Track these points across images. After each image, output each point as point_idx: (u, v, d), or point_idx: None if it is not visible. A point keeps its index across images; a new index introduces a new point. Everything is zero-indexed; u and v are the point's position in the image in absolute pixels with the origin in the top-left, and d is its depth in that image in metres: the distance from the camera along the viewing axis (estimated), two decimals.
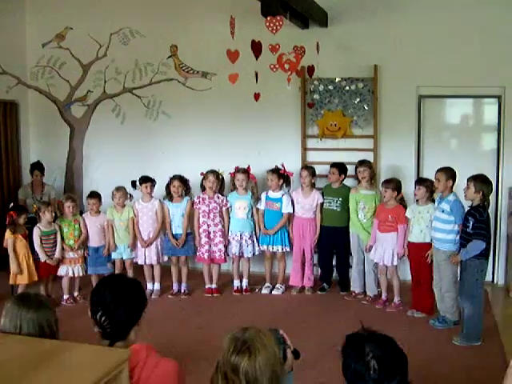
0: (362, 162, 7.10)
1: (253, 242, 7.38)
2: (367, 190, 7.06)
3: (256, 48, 6.20)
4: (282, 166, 7.34)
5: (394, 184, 6.72)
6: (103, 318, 2.72)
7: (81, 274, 7.12)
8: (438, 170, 6.18)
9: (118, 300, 2.75)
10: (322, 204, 7.27)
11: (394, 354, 2.38)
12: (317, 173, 7.50)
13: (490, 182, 5.79)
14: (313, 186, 7.33)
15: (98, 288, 2.86)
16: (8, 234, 6.68)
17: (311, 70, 7.19)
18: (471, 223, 5.64)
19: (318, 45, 6.97)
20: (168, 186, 7.31)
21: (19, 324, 2.85)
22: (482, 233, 5.61)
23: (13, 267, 6.64)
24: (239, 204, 7.33)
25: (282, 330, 2.69)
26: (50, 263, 6.89)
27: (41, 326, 2.88)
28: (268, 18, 5.69)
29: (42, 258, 6.84)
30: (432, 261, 6.28)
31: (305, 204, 7.27)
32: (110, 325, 2.73)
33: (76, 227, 7.11)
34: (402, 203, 6.77)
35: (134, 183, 7.38)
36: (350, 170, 7.30)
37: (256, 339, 2.44)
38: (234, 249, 7.34)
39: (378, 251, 6.78)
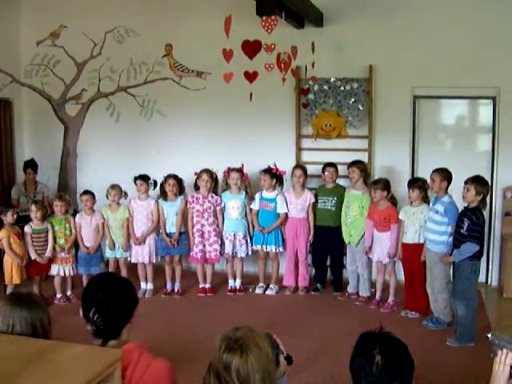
0: (352, 163, 7.10)
1: (246, 241, 7.38)
2: (355, 189, 7.07)
3: (252, 47, 6.18)
4: (275, 165, 7.33)
5: (383, 184, 6.72)
6: (96, 316, 2.72)
7: (72, 274, 7.11)
8: (433, 171, 6.19)
9: (110, 297, 2.75)
10: (313, 204, 7.28)
11: (401, 357, 2.40)
12: (312, 173, 7.53)
13: (487, 183, 5.81)
14: (303, 185, 7.33)
15: (89, 286, 2.86)
16: (2, 233, 6.65)
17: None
18: (466, 225, 5.63)
19: (313, 45, 6.96)
20: (162, 185, 7.31)
21: (12, 323, 2.84)
22: (477, 235, 5.61)
23: (13, 264, 6.63)
24: (232, 204, 7.32)
25: (275, 335, 2.68)
26: (39, 261, 6.87)
27: (33, 325, 2.86)
28: (263, 18, 5.68)
29: (32, 255, 6.82)
30: (425, 261, 6.28)
31: (297, 204, 7.26)
32: (103, 322, 2.72)
33: (67, 226, 7.10)
34: (393, 201, 6.78)
35: (135, 179, 7.33)
36: (345, 170, 7.29)
37: (248, 338, 2.43)
38: (227, 249, 7.33)
39: (377, 250, 6.78)
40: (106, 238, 7.29)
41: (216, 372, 2.40)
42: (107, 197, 7.26)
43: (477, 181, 5.67)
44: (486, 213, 5.94)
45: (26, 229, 6.85)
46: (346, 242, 7.11)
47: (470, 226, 5.61)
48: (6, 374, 2.37)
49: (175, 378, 2.73)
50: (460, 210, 5.88)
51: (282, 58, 6.35)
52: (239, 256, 7.39)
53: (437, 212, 6.09)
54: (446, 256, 5.93)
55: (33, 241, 6.85)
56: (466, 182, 5.71)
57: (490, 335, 2.68)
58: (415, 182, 6.51)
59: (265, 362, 2.40)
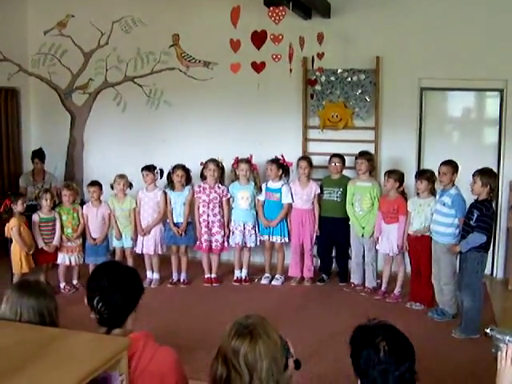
0: (361, 154, 7.09)
1: (255, 232, 7.40)
2: (363, 181, 7.06)
3: (259, 37, 6.16)
4: (282, 156, 7.34)
5: (397, 175, 6.72)
6: (100, 304, 2.73)
7: (78, 263, 7.14)
8: (443, 164, 6.16)
9: (114, 286, 2.76)
10: (319, 195, 7.28)
11: (403, 340, 2.40)
12: (318, 164, 7.53)
13: (495, 175, 5.81)
14: (309, 176, 7.33)
15: (94, 274, 2.87)
16: (13, 222, 6.66)
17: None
18: (475, 216, 5.62)
19: (321, 36, 6.94)
20: (169, 175, 7.32)
21: (19, 311, 2.86)
22: (485, 226, 5.60)
23: (21, 253, 6.63)
24: (242, 194, 7.33)
25: (288, 339, 2.67)
26: (47, 250, 6.90)
27: (41, 313, 2.88)
28: (271, 8, 5.66)
29: (40, 244, 6.85)
30: (431, 253, 6.29)
31: (303, 195, 7.26)
32: (108, 310, 2.73)
33: (75, 216, 7.12)
34: (404, 195, 6.78)
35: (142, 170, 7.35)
36: (352, 161, 7.30)
37: (258, 325, 2.44)
38: (237, 239, 7.35)
39: (384, 242, 6.78)
40: (113, 228, 7.31)
41: (224, 357, 2.41)
42: (112, 187, 7.27)
43: (482, 172, 5.67)
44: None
45: (34, 217, 6.88)
46: (359, 235, 7.08)
47: (479, 217, 5.60)
48: (14, 361, 2.39)
49: (181, 367, 2.74)
50: (470, 203, 5.87)
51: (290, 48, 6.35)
52: (248, 246, 7.41)
53: (444, 204, 6.09)
54: (454, 246, 5.93)
55: (40, 229, 6.88)
56: (473, 175, 5.71)
57: (488, 330, 2.63)
58: (424, 174, 6.50)
59: (273, 350, 2.41)
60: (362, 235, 7.05)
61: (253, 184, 7.38)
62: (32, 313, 2.86)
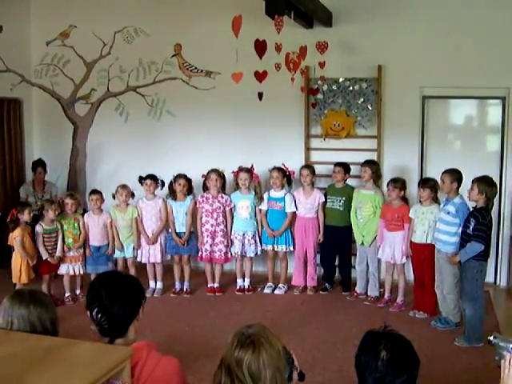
0: (365, 162, 7.09)
1: (255, 241, 7.38)
2: (366, 189, 7.06)
3: (260, 47, 6.19)
4: (283, 165, 7.33)
5: (401, 184, 6.72)
6: (99, 315, 2.71)
7: (81, 273, 7.14)
8: (444, 172, 6.16)
9: (112, 296, 2.73)
10: (323, 203, 7.28)
11: (406, 353, 2.39)
12: (320, 173, 7.53)
13: (494, 184, 5.78)
14: (312, 185, 7.33)
15: (92, 285, 2.84)
16: (17, 232, 6.65)
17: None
18: (472, 224, 5.64)
19: (325, 44, 6.96)
20: (171, 185, 7.32)
21: (10, 320, 2.81)
22: (482, 235, 5.61)
23: (22, 263, 6.62)
24: (242, 204, 7.32)
25: (292, 350, 2.66)
26: (51, 261, 6.90)
27: (32, 323, 2.81)
28: (276, 17, 5.68)
29: (44, 255, 6.84)
30: (434, 262, 6.27)
31: (306, 204, 7.26)
32: (107, 321, 2.72)
33: (75, 226, 7.11)
34: (405, 201, 6.78)
35: (140, 179, 7.35)
36: (354, 170, 7.30)
37: (260, 335, 2.44)
38: (236, 248, 7.34)
39: (386, 250, 6.77)
40: (114, 238, 7.30)
41: (227, 367, 2.41)
42: (114, 197, 7.27)
43: (480, 180, 5.69)
44: (494, 213, 5.91)
45: (38, 229, 6.85)
46: (359, 243, 7.09)
47: (475, 225, 5.61)
48: (18, 370, 2.39)
49: (184, 376, 2.73)
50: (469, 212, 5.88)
51: (291, 57, 6.36)
52: (248, 256, 7.40)
53: (448, 213, 6.06)
54: (453, 256, 5.93)
55: (44, 241, 6.87)
56: (472, 181, 5.74)
57: (491, 338, 2.63)
58: (427, 182, 6.49)
59: (276, 359, 2.41)
60: (362, 243, 7.05)
61: (253, 193, 7.37)
62: (22, 322, 2.80)
